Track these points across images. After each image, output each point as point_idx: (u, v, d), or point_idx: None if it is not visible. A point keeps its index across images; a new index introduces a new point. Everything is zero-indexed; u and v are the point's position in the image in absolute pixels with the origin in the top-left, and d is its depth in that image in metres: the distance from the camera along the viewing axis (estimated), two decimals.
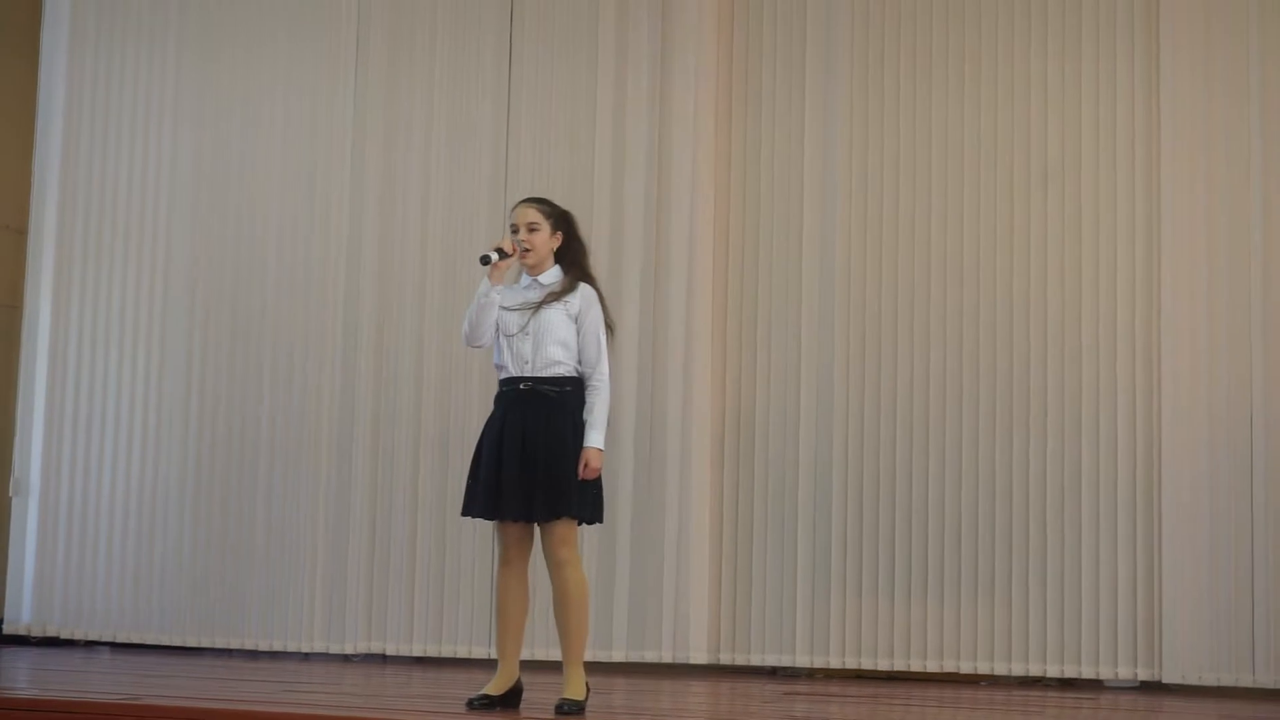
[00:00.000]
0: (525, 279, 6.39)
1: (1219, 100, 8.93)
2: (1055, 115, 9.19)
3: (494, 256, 6.22)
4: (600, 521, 6.33)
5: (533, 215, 6.35)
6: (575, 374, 6.26)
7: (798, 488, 9.29)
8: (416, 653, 9.66)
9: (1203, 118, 8.92)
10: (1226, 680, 8.59)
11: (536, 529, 6.24)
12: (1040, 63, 9.23)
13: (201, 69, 10.51)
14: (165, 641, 10.12)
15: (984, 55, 9.33)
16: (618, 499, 9.29)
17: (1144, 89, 9.05)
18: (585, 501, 6.19)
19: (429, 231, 9.96)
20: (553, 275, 6.37)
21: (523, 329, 6.26)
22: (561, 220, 6.41)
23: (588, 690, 6.23)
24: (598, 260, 9.24)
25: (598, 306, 6.33)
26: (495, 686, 6.25)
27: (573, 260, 6.41)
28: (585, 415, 6.22)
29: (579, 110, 9.79)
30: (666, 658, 9.27)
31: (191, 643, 10.06)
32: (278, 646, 9.89)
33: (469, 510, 6.31)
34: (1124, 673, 8.77)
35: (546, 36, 9.91)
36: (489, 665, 7.63)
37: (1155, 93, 9.01)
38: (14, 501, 10.59)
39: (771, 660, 9.28)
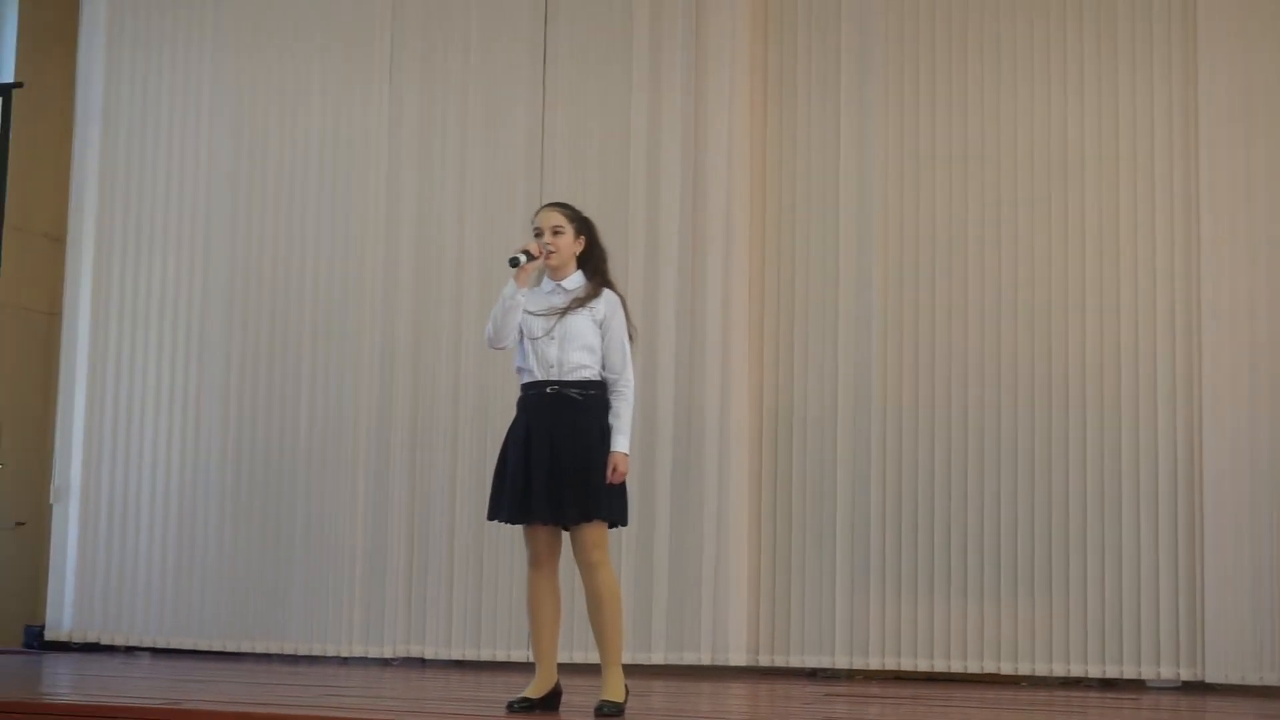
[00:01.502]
0: (548, 283, 6.39)
1: (1258, 91, 8.89)
2: (1092, 109, 9.15)
3: (522, 259, 6.23)
4: (625, 524, 6.33)
5: (557, 219, 6.36)
6: (600, 378, 6.26)
7: (836, 488, 9.26)
8: (455, 656, 9.67)
9: (1242, 109, 8.88)
10: (1270, 680, 8.53)
11: (564, 532, 6.24)
12: (1077, 56, 9.19)
13: (237, 73, 10.55)
14: (205, 646, 10.15)
15: (1019, 50, 9.30)
16: (656, 500, 9.29)
17: (1182, 80, 9.01)
18: (613, 504, 6.20)
19: (465, 236, 9.97)
20: (576, 280, 6.37)
21: (548, 333, 6.26)
22: (584, 225, 6.43)
23: (626, 692, 6.22)
24: (635, 261, 9.31)
25: (622, 312, 6.34)
26: (534, 689, 6.25)
27: (595, 267, 6.42)
28: (611, 419, 6.22)
29: (614, 113, 9.78)
30: (705, 660, 9.26)
31: (231, 648, 10.10)
32: (317, 651, 9.91)
33: (495, 514, 6.32)
34: (1166, 673, 8.72)
35: (581, 41, 9.91)
36: (528, 669, 7.61)
37: (1194, 83, 8.97)
38: (54, 508, 10.64)
39: (811, 662, 9.25)
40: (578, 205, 6.57)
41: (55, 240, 11.01)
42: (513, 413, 6.41)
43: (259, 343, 10.30)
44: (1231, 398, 8.74)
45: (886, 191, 9.40)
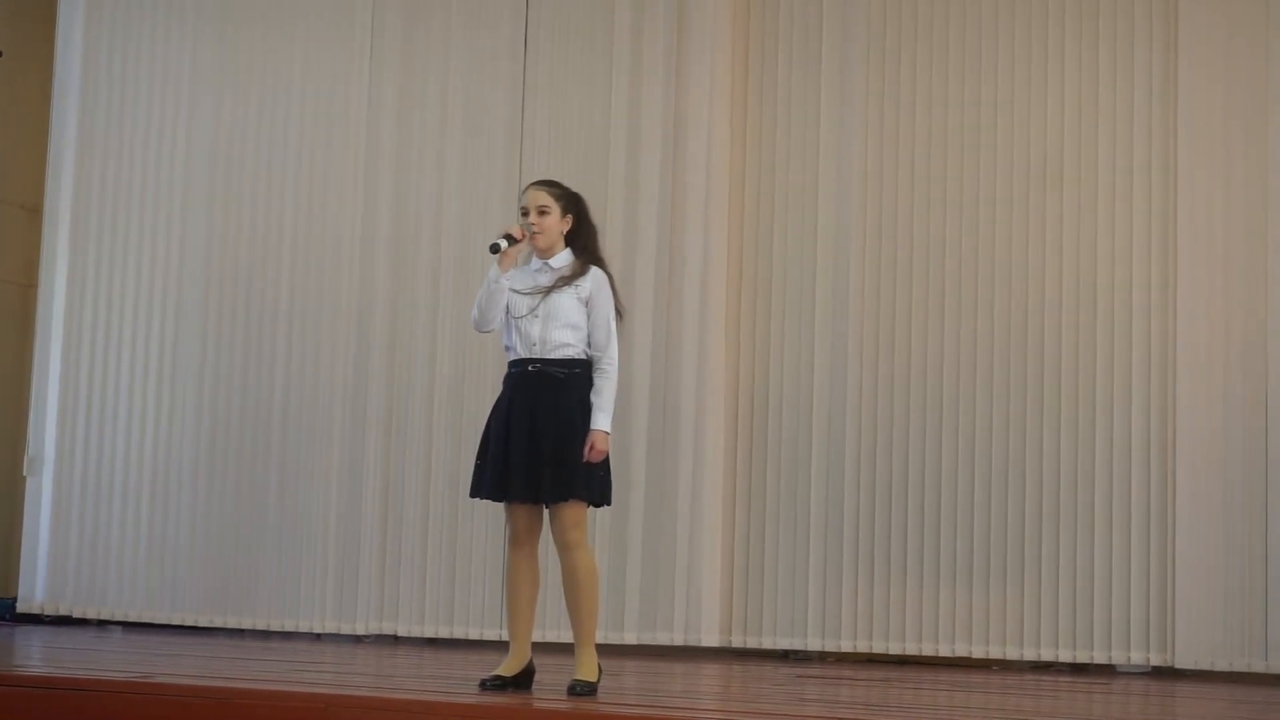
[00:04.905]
0: (535, 261, 6.35)
1: (1237, 93, 8.89)
2: (1072, 109, 9.15)
3: (503, 244, 6.16)
4: (608, 504, 6.31)
5: (543, 198, 6.30)
6: (584, 356, 6.23)
7: (810, 471, 9.28)
8: (428, 634, 9.68)
9: (1220, 111, 8.89)
10: (1239, 665, 8.58)
11: (545, 511, 6.23)
12: (1058, 57, 9.19)
13: (218, 50, 10.51)
14: (177, 621, 10.15)
15: (1000, 48, 9.29)
16: (631, 481, 9.29)
17: (1162, 80, 9.01)
18: (593, 484, 6.16)
19: (443, 216, 9.96)
20: (563, 259, 6.33)
21: (532, 311, 6.22)
22: (572, 203, 6.36)
23: (600, 671, 6.23)
24: (613, 244, 9.28)
25: (608, 290, 6.29)
26: (508, 667, 6.24)
27: (583, 244, 6.35)
28: (593, 397, 6.18)
29: (594, 96, 9.77)
30: (678, 640, 9.28)
31: (204, 622, 10.10)
32: (289, 627, 9.91)
33: (477, 492, 6.29)
34: (1136, 658, 8.76)
35: (562, 25, 9.88)
36: (500, 647, 7.63)
37: (1173, 84, 8.97)
38: (28, 480, 10.62)
39: (783, 643, 9.28)
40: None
41: (31, 211, 10.97)
42: (488, 390, 6.40)
43: (235, 319, 10.28)
44: (1205, 385, 8.76)
45: (866, 178, 9.40)
